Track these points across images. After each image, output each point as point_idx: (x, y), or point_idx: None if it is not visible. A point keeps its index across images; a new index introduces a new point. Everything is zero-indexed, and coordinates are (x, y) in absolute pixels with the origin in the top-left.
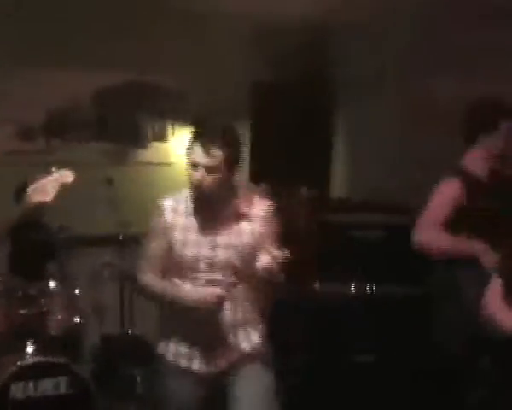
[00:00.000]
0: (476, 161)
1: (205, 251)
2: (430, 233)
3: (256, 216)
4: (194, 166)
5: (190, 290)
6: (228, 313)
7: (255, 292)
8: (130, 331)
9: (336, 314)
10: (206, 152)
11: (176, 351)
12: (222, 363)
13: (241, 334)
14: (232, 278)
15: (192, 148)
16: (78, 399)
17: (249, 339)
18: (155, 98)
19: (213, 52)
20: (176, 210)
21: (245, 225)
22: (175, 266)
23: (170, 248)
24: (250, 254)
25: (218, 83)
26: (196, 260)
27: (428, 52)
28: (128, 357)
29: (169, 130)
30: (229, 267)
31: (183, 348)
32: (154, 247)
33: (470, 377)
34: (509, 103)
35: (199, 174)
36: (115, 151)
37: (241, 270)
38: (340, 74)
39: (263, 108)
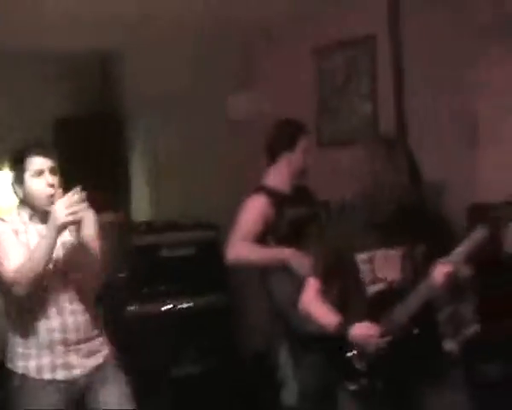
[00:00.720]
0: (278, 176)
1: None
2: (241, 248)
3: None
4: (40, 173)
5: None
6: (83, 319)
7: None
8: None
9: (156, 332)
10: (46, 156)
11: (37, 365)
12: (82, 369)
13: (97, 341)
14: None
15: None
16: None
17: (103, 346)
18: None
19: (13, 90)
20: (13, 223)
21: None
22: None
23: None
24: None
25: (20, 121)
26: None
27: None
28: None
29: None
30: (66, 263)
31: (45, 360)
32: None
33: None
34: (304, 122)
35: (48, 180)
36: None
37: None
38: (137, 98)
39: (65, 142)
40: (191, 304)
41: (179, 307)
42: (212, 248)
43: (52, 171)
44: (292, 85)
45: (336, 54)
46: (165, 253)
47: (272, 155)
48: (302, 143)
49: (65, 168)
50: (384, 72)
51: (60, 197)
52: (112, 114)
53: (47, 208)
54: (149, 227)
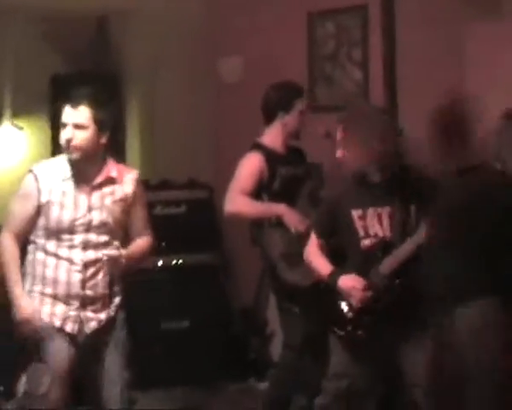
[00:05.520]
0: (274, 136)
1: (81, 213)
2: (239, 202)
3: (125, 181)
4: (64, 125)
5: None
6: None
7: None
8: None
9: (147, 287)
10: (74, 109)
11: (50, 312)
12: (92, 325)
13: (107, 298)
14: (105, 238)
15: (61, 110)
16: None
17: (113, 303)
18: None
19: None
20: (50, 176)
21: (116, 188)
22: (53, 229)
23: (37, 213)
24: (121, 214)
25: (16, 78)
26: (73, 222)
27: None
28: None
29: None
30: (103, 227)
31: (58, 309)
32: (19, 210)
33: None
34: (301, 85)
35: (68, 132)
36: None
37: (114, 229)
38: (130, 59)
39: (61, 100)
40: (182, 261)
41: (171, 263)
42: (205, 208)
43: (78, 127)
44: (285, 50)
45: (329, 21)
46: (158, 210)
47: (268, 116)
48: (298, 106)
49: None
50: (376, 41)
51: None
52: (109, 73)
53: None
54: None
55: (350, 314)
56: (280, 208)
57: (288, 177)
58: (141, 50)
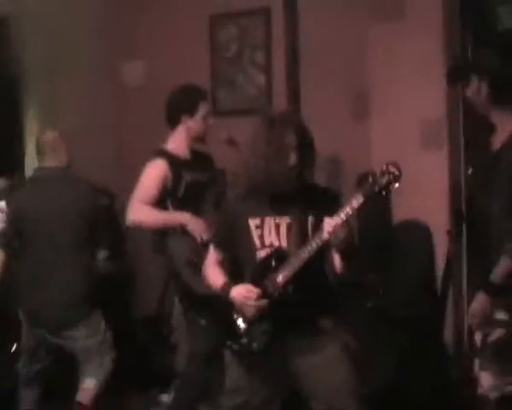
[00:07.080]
0: (178, 141)
1: None
2: (142, 212)
3: None
4: None
5: None
6: None
7: None
8: None
9: None
10: None
11: None
12: None
13: None
14: None
15: None
16: None
17: None
18: None
19: None
20: None
21: None
22: None
23: None
24: None
25: None
26: None
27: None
28: None
29: None
30: None
31: None
32: None
33: None
34: (205, 89)
35: None
36: None
37: None
38: (29, 62)
39: None
40: None
41: None
42: (107, 215)
43: None
44: (187, 53)
45: (231, 24)
46: None
47: (172, 120)
48: (202, 109)
49: None
50: (278, 44)
51: None
52: (6, 75)
53: None
54: None
55: (243, 326)
56: (184, 217)
57: (192, 183)
58: (41, 53)
